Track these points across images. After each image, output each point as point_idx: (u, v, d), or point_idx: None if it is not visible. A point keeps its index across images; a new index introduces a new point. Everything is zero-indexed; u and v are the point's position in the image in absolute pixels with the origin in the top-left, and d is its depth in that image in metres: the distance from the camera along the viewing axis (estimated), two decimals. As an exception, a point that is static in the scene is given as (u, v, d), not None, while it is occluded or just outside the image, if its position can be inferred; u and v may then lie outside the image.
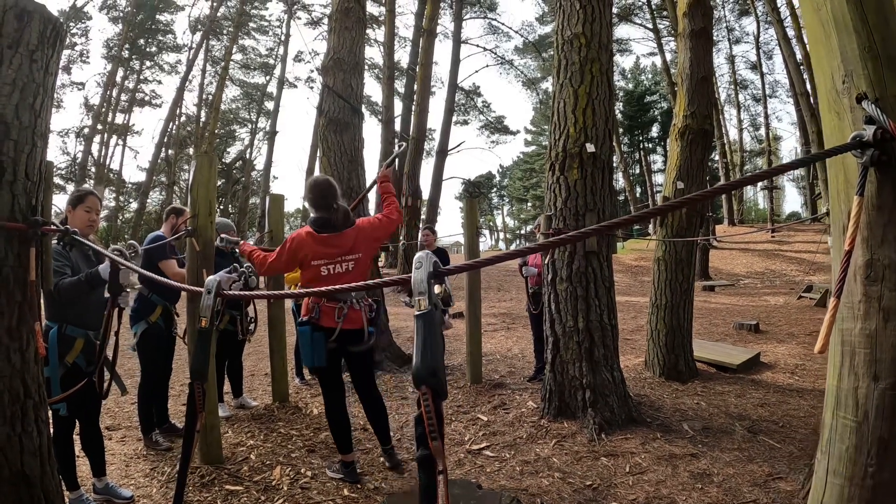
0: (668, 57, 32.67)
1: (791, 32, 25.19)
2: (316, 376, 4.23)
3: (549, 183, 5.40)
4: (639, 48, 56.57)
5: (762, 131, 38.67)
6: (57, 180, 34.24)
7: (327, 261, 3.89)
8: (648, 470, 4.00)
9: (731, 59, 37.82)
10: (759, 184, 41.12)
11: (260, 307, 5.89)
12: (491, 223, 70.71)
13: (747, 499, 3.56)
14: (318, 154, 8.19)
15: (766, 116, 37.54)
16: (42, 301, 2.54)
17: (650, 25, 34.71)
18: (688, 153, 6.89)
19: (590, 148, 5.08)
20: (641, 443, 4.45)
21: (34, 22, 2.11)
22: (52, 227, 2.40)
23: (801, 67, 24.53)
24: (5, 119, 2.02)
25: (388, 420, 4.27)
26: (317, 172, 8.71)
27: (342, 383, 4.08)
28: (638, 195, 43.99)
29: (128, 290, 3.20)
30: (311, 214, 4.06)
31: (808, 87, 24.21)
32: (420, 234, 7.73)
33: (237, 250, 4.79)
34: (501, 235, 69.90)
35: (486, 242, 69.53)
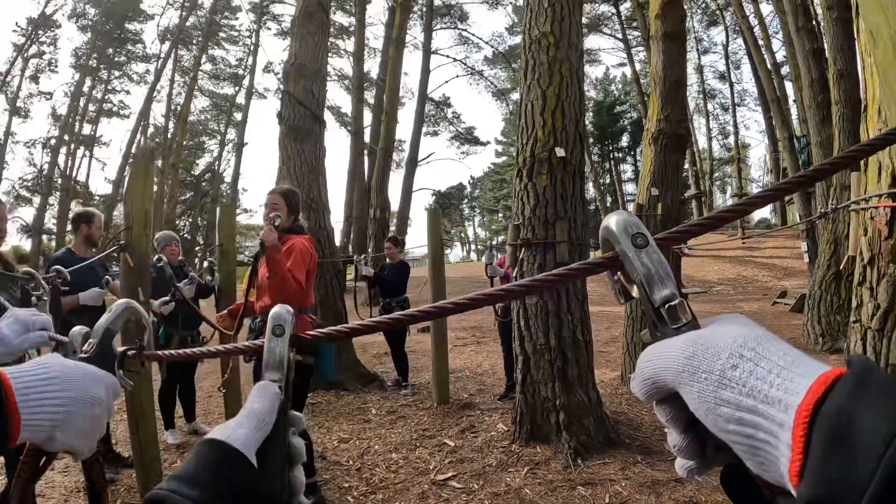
0: (638, 67, 32.95)
1: (761, 42, 25.45)
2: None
3: (516, 190, 5.07)
4: (608, 59, 56.99)
5: (731, 139, 39.08)
6: (23, 192, 33.64)
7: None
8: (630, 500, 3.67)
9: (699, 69, 38.30)
10: (728, 191, 41.56)
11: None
12: (462, 234, 70.59)
13: (736, 530, 3.26)
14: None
15: (736, 125, 37.99)
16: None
17: (619, 36, 35.13)
18: (662, 158, 6.65)
19: (559, 152, 4.77)
20: (621, 468, 4.12)
21: None
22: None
23: (771, 75, 24.74)
24: None
25: None
26: (275, 182, 8.38)
27: None
28: (609, 204, 44.10)
29: None
30: (288, 222, 3.81)
31: (778, 92, 24.38)
32: (385, 247, 7.40)
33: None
34: (473, 247, 69.78)
35: (457, 254, 69.54)
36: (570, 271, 0.64)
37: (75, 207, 34.60)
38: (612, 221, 0.57)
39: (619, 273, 0.59)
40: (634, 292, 0.56)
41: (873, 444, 0.31)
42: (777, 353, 0.41)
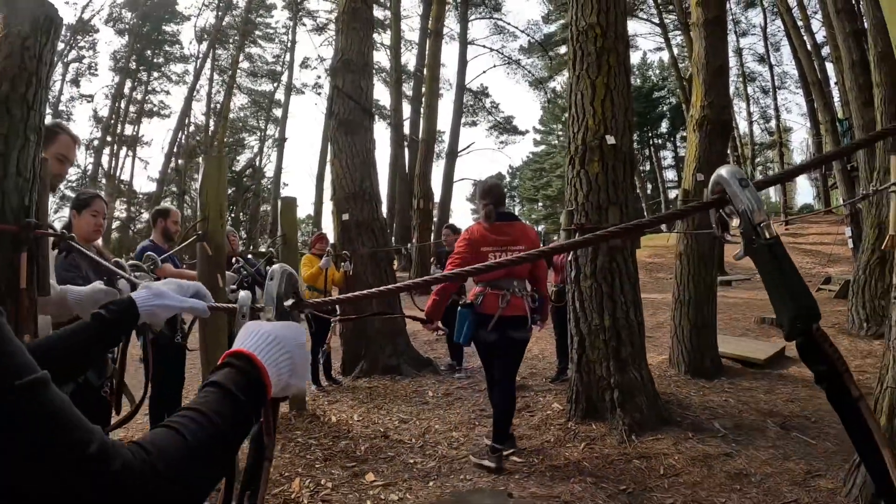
0: (676, 51, 32.49)
1: (800, 23, 24.96)
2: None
3: (568, 178, 5.24)
4: (644, 44, 56.06)
5: (772, 123, 38.23)
6: (68, 192, 34.50)
7: (495, 248, 4.16)
8: (683, 472, 3.83)
9: (738, 52, 37.40)
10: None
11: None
12: (502, 223, 70.35)
13: (788, 499, 3.39)
14: (328, 157, 8.13)
15: (777, 108, 37.05)
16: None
17: (656, 20, 34.57)
18: (706, 144, 6.70)
19: (610, 140, 4.91)
20: (674, 443, 4.27)
21: (24, 7, 1.95)
22: (49, 230, 2.18)
23: (812, 56, 24.25)
24: (-8, 111, 1.84)
25: (511, 418, 4.40)
26: (328, 175, 8.62)
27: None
28: (649, 192, 43.65)
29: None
30: (485, 211, 4.34)
31: (819, 74, 23.88)
32: (443, 234, 7.66)
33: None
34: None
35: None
36: (681, 211, 0.91)
37: (119, 206, 35.48)
38: (723, 171, 0.85)
39: (720, 210, 0.87)
40: (734, 223, 0.86)
41: None
42: None
